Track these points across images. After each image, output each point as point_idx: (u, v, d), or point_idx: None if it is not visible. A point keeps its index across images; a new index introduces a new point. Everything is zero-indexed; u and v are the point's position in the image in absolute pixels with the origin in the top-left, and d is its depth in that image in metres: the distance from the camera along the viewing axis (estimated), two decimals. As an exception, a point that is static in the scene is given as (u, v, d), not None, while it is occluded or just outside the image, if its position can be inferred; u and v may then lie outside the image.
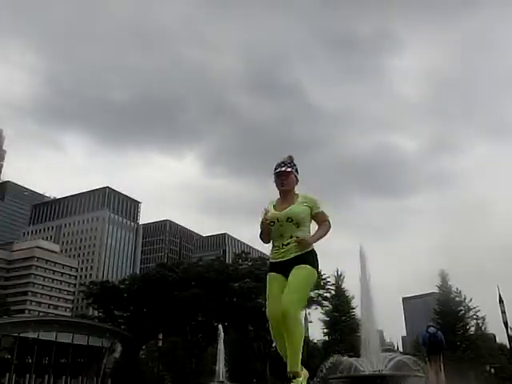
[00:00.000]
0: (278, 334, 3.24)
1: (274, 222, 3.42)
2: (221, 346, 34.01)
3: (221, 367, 32.85)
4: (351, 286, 47.12)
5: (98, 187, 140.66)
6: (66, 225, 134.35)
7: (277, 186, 3.57)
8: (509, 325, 23.63)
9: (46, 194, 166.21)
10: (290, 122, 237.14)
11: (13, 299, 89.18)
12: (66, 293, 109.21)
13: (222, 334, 34.87)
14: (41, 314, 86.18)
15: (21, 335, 47.78)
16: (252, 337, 47.25)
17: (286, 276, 3.30)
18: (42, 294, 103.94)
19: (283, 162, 3.57)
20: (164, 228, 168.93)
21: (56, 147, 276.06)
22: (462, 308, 47.90)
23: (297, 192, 3.58)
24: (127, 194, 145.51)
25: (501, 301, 23.34)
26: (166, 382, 51.18)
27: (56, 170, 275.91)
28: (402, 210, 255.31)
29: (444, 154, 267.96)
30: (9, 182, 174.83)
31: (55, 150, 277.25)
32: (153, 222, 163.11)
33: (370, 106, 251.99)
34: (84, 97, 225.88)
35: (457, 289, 49.01)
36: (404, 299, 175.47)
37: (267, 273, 3.49)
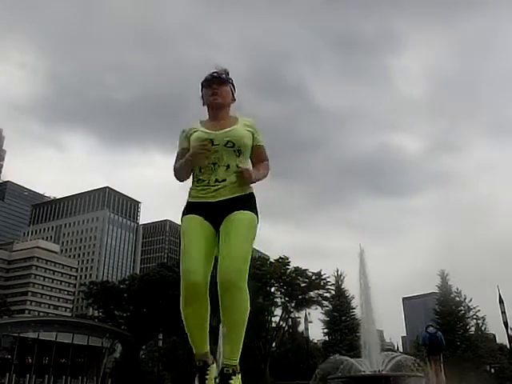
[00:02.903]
0: (192, 305, 2.30)
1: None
2: (220, 345, 33.94)
3: (221, 367, 32.79)
4: (351, 286, 47.23)
5: (97, 187, 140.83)
6: (65, 225, 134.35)
7: (205, 98, 2.62)
8: (509, 325, 23.63)
9: (45, 194, 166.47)
10: (293, 121, 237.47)
11: (13, 299, 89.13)
12: (66, 293, 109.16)
13: (222, 334, 34.80)
14: (41, 313, 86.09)
15: (21, 335, 47.82)
16: (252, 337, 47.28)
17: (213, 222, 2.39)
18: (42, 294, 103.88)
19: (216, 71, 2.63)
20: (164, 228, 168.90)
21: (56, 147, 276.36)
22: (461, 308, 47.90)
23: (232, 114, 2.64)
24: (127, 194, 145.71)
25: (501, 301, 23.34)
26: (166, 382, 51.14)
27: (56, 169, 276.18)
28: (402, 209, 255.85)
29: (446, 154, 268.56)
30: (9, 181, 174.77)
31: (55, 150, 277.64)
32: (153, 222, 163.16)
33: (372, 105, 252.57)
34: (85, 96, 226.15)
35: (457, 289, 49.08)
36: (404, 299, 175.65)
37: (182, 215, 2.47)
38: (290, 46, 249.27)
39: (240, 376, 2.35)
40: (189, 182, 2.56)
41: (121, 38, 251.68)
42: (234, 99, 2.65)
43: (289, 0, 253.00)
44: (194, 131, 2.53)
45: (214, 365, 2.44)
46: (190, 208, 2.45)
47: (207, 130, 2.48)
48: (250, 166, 2.52)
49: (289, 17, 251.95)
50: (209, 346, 2.45)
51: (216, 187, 2.40)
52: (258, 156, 2.57)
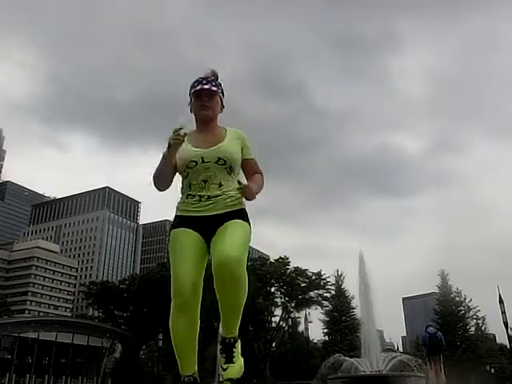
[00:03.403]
0: (185, 312, 2.26)
1: (197, 163, 2.37)
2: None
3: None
4: (351, 286, 47.27)
5: (97, 187, 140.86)
6: (66, 225, 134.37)
7: (194, 111, 2.53)
8: (509, 325, 23.63)
9: (45, 194, 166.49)
10: (293, 121, 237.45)
11: (13, 299, 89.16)
12: (66, 293, 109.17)
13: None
14: (41, 313, 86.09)
15: (21, 335, 47.81)
16: (252, 337, 47.29)
17: (205, 236, 2.34)
18: (42, 294, 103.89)
19: (205, 78, 2.52)
20: (164, 228, 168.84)
21: (56, 147, 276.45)
22: (461, 308, 47.94)
23: (219, 124, 2.58)
24: (127, 194, 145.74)
25: (501, 301, 23.34)
26: (166, 382, 51.15)
27: (56, 169, 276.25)
28: (403, 210, 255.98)
29: (446, 154, 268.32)
30: (9, 181, 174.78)
31: (55, 150, 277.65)
32: (153, 222, 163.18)
33: (373, 105, 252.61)
34: (86, 96, 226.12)
35: (457, 289, 49.14)
36: (404, 299, 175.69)
37: (172, 228, 2.43)
38: (290, 46, 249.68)
39: (240, 341, 2.42)
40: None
41: (121, 37, 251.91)
42: (222, 107, 2.58)
43: (289, 0, 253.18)
44: (182, 147, 2.37)
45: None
46: (180, 221, 2.39)
47: (196, 148, 2.40)
48: (243, 181, 2.45)
49: (289, 17, 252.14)
50: (196, 367, 2.37)
51: (209, 202, 2.35)
52: (250, 170, 2.51)
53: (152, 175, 2.45)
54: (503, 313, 23.13)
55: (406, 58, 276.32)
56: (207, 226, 2.33)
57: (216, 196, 2.36)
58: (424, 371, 13.16)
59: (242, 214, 2.39)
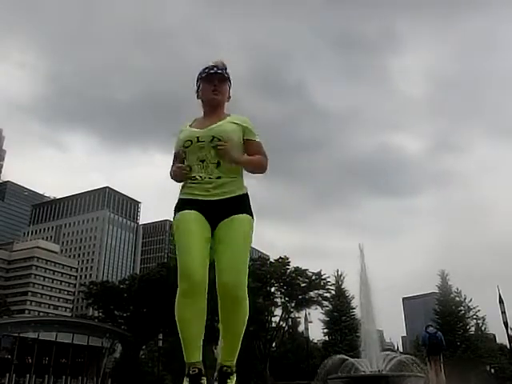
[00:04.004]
0: (192, 297, 2.20)
1: (192, 142, 2.38)
2: (221, 345, 33.87)
3: (219, 367, 32.75)
4: (351, 286, 47.24)
5: (97, 187, 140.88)
6: (66, 225, 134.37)
7: (204, 94, 2.53)
8: (509, 325, 23.62)
9: (45, 194, 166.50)
10: (294, 121, 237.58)
11: (13, 299, 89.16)
12: (66, 293, 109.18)
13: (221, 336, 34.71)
14: (41, 313, 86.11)
15: (21, 335, 47.80)
16: (252, 337, 47.33)
17: (208, 218, 2.31)
18: (42, 294, 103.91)
19: (216, 66, 2.53)
20: (164, 228, 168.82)
21: (56, 147, 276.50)
22: (462, 308, 47.91)
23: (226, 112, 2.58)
24: (127, 194, 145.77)
25: (501, 301, 23.34)
26: (166, 382, 51.14)
27: (56, 169, 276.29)
28: (403, 210, 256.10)
29: (446, 154, 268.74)
30: (9, 181, 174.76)
31: (55, 150, 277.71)
32: (153, 222, 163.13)
33: (373, 106, 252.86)
34: (86, 96, 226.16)
35: (457, 289, 49.10)
36: (404, 299, 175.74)
37: (176, 211, 2.38)
38: (291, 46, 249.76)
39: (235, 376, 2.37)
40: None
41: (121, 37, 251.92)
42: (229, 97, 2.58)
43: (289, 0, 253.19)
44: (184, 130, 2.48)
45: (205, 380, 2.36)
46: (184, 203, 2.36)
47: (194, 129, 2.43)
48: (241, 167, 2.43)
49: (289, 17, 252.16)
50: (201, 358, 2.34)
51: (210, 185, 2.33)
52: (253, 151, 2.43)
53: (170, 171, 2.51)
54: (503, 313, 23.13)
55: (406, 58, 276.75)
56: (211, 211, 2.31)
57: (218, 177, 2.34)
58: (424, 371, 13.16)
59: (244, 202, 2.37)
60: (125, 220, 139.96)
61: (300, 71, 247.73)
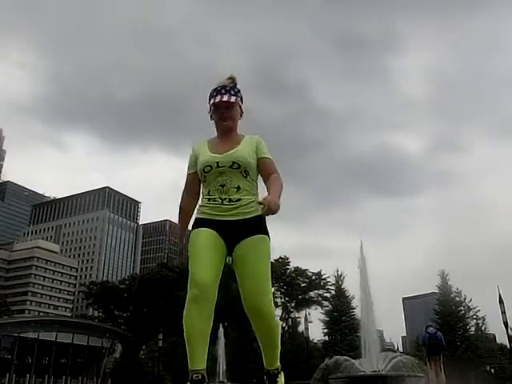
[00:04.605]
0: (199, 302, 2.27)
1: (211, 167, 2.44)
2: (221, 346, 33.94)
3: (221, 367, 32.81)
4: (351, 286, 47.20)
5: (97, 187, 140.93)
6: (66, 225, 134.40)
7: (215, 121, 2.58)
8: (509, 325, 23.62)
9: (45, 194, 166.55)
10: (294, 121, 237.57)
11: (13, 299, 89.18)
12: (66, 293, 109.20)
13: (223, 334, 34.81)
14: (41, 313, 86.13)
15: (21, 335, 47.82)
16: (252, 337, 47.32)
17: (225, 238, 2.40)
18: (42, 294, 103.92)
19: (224, 88, 2.54)
20: (164, 228, 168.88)
21: (56, 147, 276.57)
22: (462, 308, 47.88)
23: (239, 132, 2.63)
24: (127, 194, 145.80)
25: (501, 301, 23.32)
26: (166, 382, 51.11)
27: (56, 169, 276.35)
28: (403, 209, 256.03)
29: (447, 154, 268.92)
30: (9, 181, 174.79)
31: (55, 150, 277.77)
32: (153, 222, 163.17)
33: (373, 105, 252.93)
34: (86, 96, 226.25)
35: (457, 289, 49.05)
36: (404, 299, 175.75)
37: (192, 229, 2.49)
38: (291, 46, 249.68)
39: (283, 374, 2.58)
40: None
41: (121, 37, 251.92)
42: (241, 114, 2.63)
43: (289, 0, 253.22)
44: (202, 153, 2.52)
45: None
46: (201, 222, 2.45)
47: (213, 154, 2.47)
48: (256, 185, 2.53)
49: (289, 16, 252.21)
50: (205, 364, 2.36)
51: (230, 206, 2.41)
52: (266, 169, 2.50)
53: (180, 200, 2.62)
54: (503, 313, 23.11)
55: (407, 58, 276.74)
56: (229, 231, 2.40)
57: (238, 200, 2.42)
58: (424, 371, 13.15)
59: (261, 223, 2.45)
60: (125, 220, 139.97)
61: (300, 71, 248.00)
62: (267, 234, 2.47)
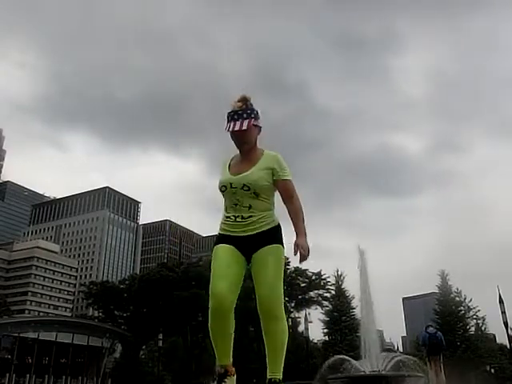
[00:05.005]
0: (218, 319, 2.57)
1: (226, 188, 2.66)
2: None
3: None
4: (351, 286, 47.18)
5: (97, 187, 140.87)
6: (66, 225, 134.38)
7: (234, 143, 2.74)
8: (509, 325, 23.63)
9: (45, 194, 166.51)
10: (295, 121, 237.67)
11: (13, 299, 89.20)
12: (66, 293, 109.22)
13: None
14: (41, 314, 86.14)
15: (21, 335, 47.80)
16: (252, 337, 47.32)
17: (243, 251, 2.65)
18: (42, 294, 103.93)
19: (237, 113, 2.64)
20: (164, 228, 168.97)
21: (56, 147, 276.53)
22: (461, 308, 47.88)
23: (260, 146, 2.77)
24: (127, 194, 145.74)
25: (501, 301, 23.36)
26: (166, 382, 51.13)
27: (56, 169, 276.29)
28: (403, 209, 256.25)
29: (447, 154, 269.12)
30: (9, 181, 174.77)
31: (55, 150, 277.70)
32: (153, 222, 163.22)
33: (373, 105, 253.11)
34: (86, 96, 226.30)
35: (457, 289, 49.06)
36: (404, 299, 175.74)
37: (214, 245, 2.76)
38: (291, 46, 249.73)
39: None
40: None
41: (121, 37, 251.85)
42: (259, 131, 2.73)
43: (291, 0, 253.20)
44: (222, 172, 2.75)
45: (235, 377, 2.69)
46: (221, 239, 2.72)
47: (229, 175, 2.68)
48: (272, 202, 2.71)
49: (290, 17, 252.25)
50: (231, 360, 2.69)
51: (243, 223, 2.64)
52: (284, 191, 2.68)
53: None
54: (503, 313, 23.15)
55: (407, 58, 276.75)
56: (244, 244, 2.65)
57: (248, 217, 2.64)
58: (424, 371, 13.14)
59: (273, 234, 2.66)
60: (125, 220, 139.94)
61: (300, 71, 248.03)
62: (281, 242, 2.67)
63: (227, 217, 2.70)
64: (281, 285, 2.61)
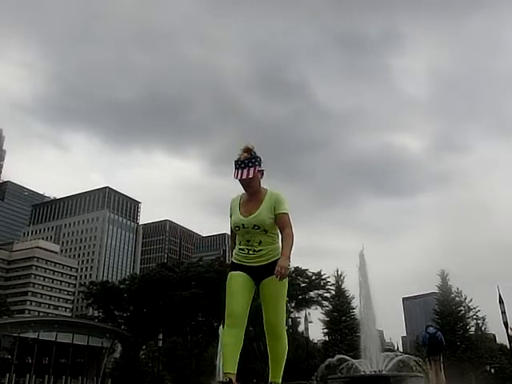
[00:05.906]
0: (231, 328, 3.03)
1: (239, 228, 3.15)
2: (221, 346, 33.89)
3: (221, 367, 32.79)
4: (351, 286, 47.17)
5: (98, 187, 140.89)
6: (65, 225, 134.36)
7: (242, 187, 3.18)
8: (509, 325, 23.63)
9: (45, 194, 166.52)
10: (296, 121, 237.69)
11: (13, 299, 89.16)
12: (66, 293, 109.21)
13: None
14: (41, 314, 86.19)
15: (21, 335, 47.84)
16: (252, 337, 47.31)
17: (253, 277, 3.15)
18: (42, 294, 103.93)
19: (242, 163, 3.07)
20: (164, 228, 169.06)
21: (57, 147, 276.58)
22: (461, 308, 47.88)
23: (264, 186, 3.22)
24: (127, 194, 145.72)
25: (501, 301, 23.34)
26: (166, 382, 51.16)
27: (56, 169, 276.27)
28: (404, 209, 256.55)
29: (448, 153, 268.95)
30: (9, 181, 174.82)
31: (55, 150, 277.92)
32: (153, 222, 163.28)
33: (375, 105, 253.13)
34: (86, 96, 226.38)
35: (457, 289, 49.05)
36: (404, 299, 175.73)
37: (229, 271, 3.24)
38: (292, 46, 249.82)
39: None
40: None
41: (121, 37, 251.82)
42: (262, 175, 3.17)
43: (290, 0, 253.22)
44: (234, 212, 3.22)
45: None
46: (235, 266, 3.22)
47: (241, 216, 3.16)
48: (278, 236, 3.16)
49: (291, 16, 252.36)
50: (236, 370, 3.00)
51: (254, 255, 3.15)
52: (279, 223, 3.10)
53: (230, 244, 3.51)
54: (503, 313, 23.13)
55: (408, 59, 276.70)
56: (255, 273, 3.16)
57: (259, 250, 3.15)
58: (424, 371, 13.14)
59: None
60: (125, 220, 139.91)
61: (302, 71, 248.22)
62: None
63: (241, 249, 3.21)
64: (284, 303, 3.17)
